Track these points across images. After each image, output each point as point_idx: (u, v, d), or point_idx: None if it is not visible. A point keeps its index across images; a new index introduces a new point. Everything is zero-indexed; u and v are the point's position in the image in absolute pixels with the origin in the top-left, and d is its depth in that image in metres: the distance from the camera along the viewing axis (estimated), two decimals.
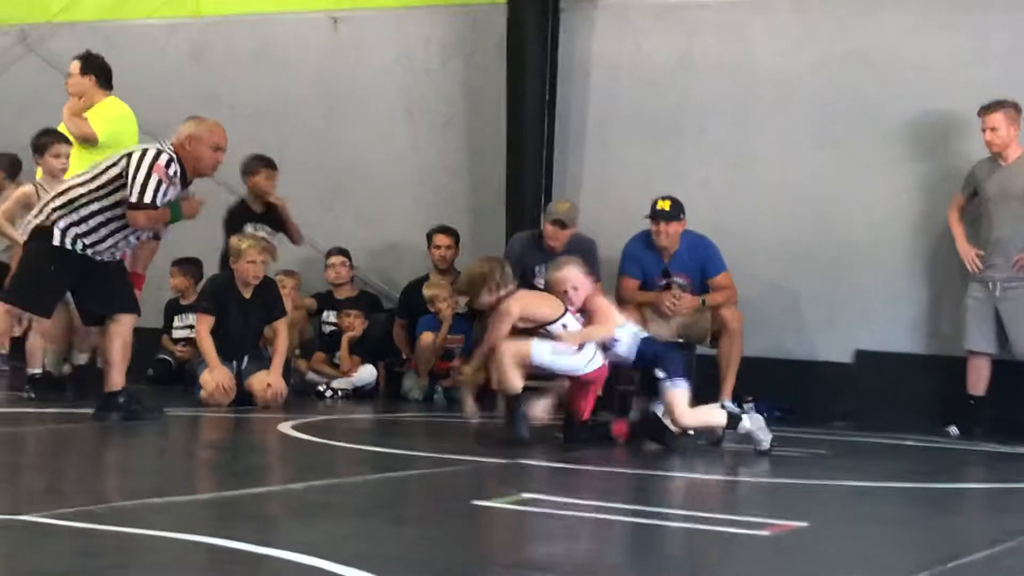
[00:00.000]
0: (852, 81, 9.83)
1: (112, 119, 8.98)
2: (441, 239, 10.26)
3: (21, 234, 7.47)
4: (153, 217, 7.14)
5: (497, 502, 4.89)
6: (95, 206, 7.11)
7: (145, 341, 10.34)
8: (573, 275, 7.15)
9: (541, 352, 6.92)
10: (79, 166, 8.53)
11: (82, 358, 9.09)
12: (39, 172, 8.94)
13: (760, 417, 7.23)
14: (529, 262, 9.43)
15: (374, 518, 4.66)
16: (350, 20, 11.17)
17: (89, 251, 7.14)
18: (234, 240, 9.01)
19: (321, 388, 9.91)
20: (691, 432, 7.16)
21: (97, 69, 9.09)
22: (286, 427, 7.36)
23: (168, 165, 7.11)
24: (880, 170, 9.77)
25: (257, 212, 9.73)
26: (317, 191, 11.15)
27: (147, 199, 7.03)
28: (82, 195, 7.11)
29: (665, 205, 9.00)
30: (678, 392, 7.01)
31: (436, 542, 4.23)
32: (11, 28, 12.06)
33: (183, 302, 10.47)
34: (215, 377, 8.62)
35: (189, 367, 9.81)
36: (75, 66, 9.17)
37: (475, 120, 10.75)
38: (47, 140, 8.76)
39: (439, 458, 6.32)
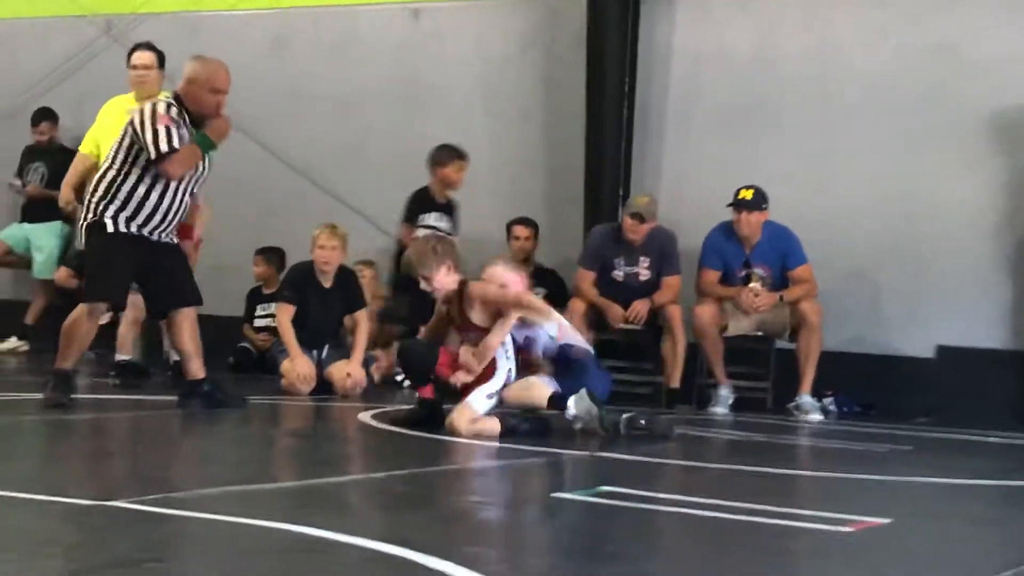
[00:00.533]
0: (937, 73, 9.72)
1: None
2: (520, 230, 10.27)
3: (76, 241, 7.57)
4: (184, 159, 6.95)
5: (577, 494, 4.89)
6: (129, 183, 6.99)
7: (226, 330, 10.48)
8: (499, 272, 7.03)
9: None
10: None
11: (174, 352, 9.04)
12: None
13: (585, 398, 6.90)
14: (608, 255, 9.43)
15: (454, 508, 4.68)
16: (430, 12, 11.20)
17: (145, 231, 7.06)
18: (316, 229, 9.07)
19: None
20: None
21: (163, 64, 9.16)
22: (366, 416, 7.40)
23: (168, 110, 6.95)
24: (964, 163, 9.66)
25: (440, 203, 9.74)
26: (396, 182, 11.17)
27: (164, 147, 6.86)
28: (114, 177, 7.02)
29: (748, 194, 8.99)
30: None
31: (517, 534, 4.24)
32: (96, 19, 12.22)
33: (265, 291, 10.56)
34: (296, 366, 8.69)
35: (270, 356, 9.89)
36: (150, 58, 9.17)
37: (553, 112, 10.74)
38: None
39: (516, 449, 6.33)
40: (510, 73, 10.89)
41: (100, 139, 9.04)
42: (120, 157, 7.03)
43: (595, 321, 9.42)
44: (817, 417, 8.88)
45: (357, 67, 11.41)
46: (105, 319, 10.94)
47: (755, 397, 9.50)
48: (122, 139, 7.05)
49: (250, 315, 10.69)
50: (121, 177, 7.01)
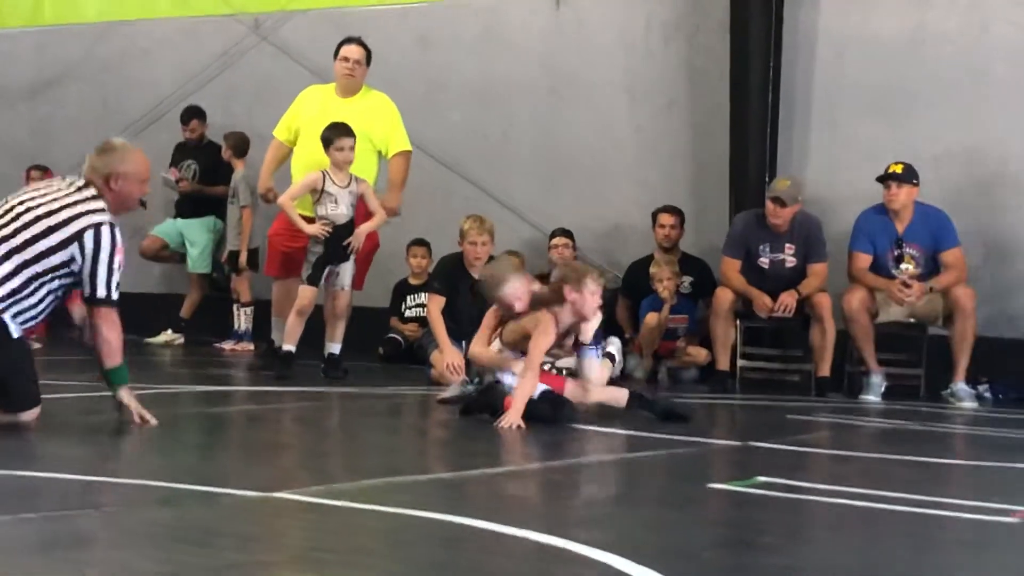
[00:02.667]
0: None
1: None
2: (666, 218, 10.25)
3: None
4: (117, 329, 5.95)
5: (734, 485, 4.89)
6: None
7: (375, 321, 10.64)
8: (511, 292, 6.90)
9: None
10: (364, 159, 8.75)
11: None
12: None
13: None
14: (753, 241, 9.37)
15: (611, 500, 4.71)
16: (572, 2, 11.22)
17: None
18: (462, 222, 9.16)
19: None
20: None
21: None
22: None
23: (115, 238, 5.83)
24: None
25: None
26: (540, 173, 11.26)
27: (115, 294, 5.85)
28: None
29: (898, 168, 8.93)
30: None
31: (675, 525, 4.25)
32: (245, 17, 12.46)
33: (413, 282, 10.69)
34: (445, 357, 8.78)
35: (419, 346, 10.01)
36: (360, 52, 9.14)
37: (698, 100, 10.69)
38: (331, 135, 8.58)
39: (670, 439, 6.33)
40: (654, 62, 10.86)
41: (296, 126, 9.20)
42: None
43: (742, 309, 9.36)
44: (972, 405, 8.72)
45: (500, 59, 11.48)
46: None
47: (908, 385, 9.36)
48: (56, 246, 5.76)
49: (397, 307, 10.82)
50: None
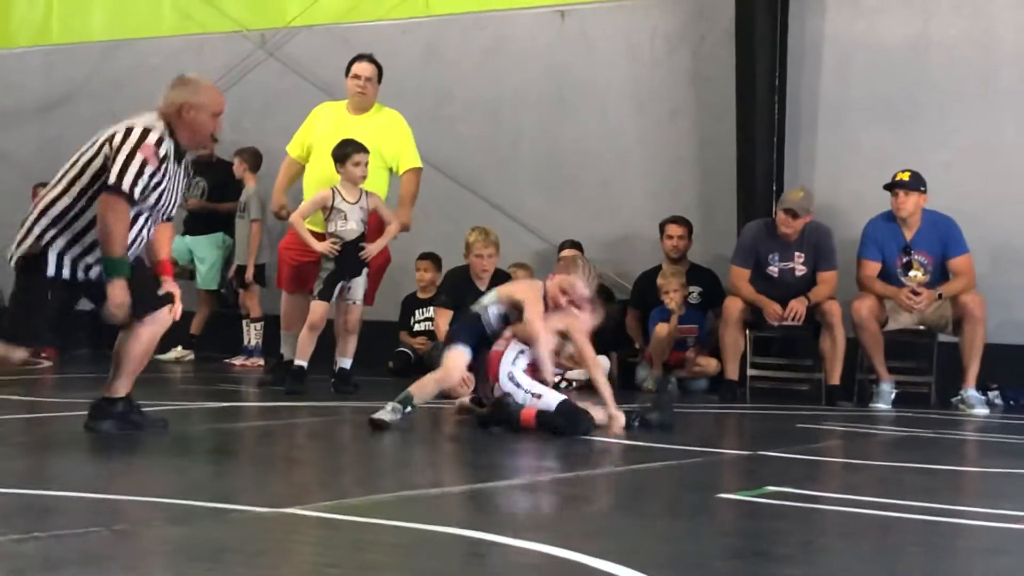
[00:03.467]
0: None
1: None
2: (674, 229, 10.25)
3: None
4: (116, 222, 5.84)
5: (743, 495, 4.88)
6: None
7: (384, 335, 10.65)
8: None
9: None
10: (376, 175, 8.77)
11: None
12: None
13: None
14: (762, 250, 9.37)
15: (621, 511, 4.70)
16: (577, 13, 11.24)
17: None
18: (467, 234, 9.17)
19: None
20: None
21: None
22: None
23: (159, 144, 5.94)
24: None
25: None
26: (548, 185, 11.27)
27: (125, 185, 5.81)
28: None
29: (905, 175, 8.94)
30: None
31: (685, 536, 4.25)
32: (252, 33, 12.49)
33: (421, 296, 10.70)
34: None
35: (428, 359, 10.01)
36: (371, 70, 9.13)
37: (704, 109, 10.70)
38: (348, 150, 8.60)
39: (678, 450, 6.32)
40: (659, 71, 10.87)
41: (309, 143, 9.21)
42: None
43: (752, 319, 9.35)
44: (983, 411, 8.71)
45: (507, 71, 11.50)
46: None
47: (918, 392, 9.35)
48: (92, 158, 6.01)
49: (406, 321, 10.83)
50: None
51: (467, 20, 11.68)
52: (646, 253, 10.59)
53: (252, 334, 11.53)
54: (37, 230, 5.99)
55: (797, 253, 9.29)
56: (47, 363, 11.90)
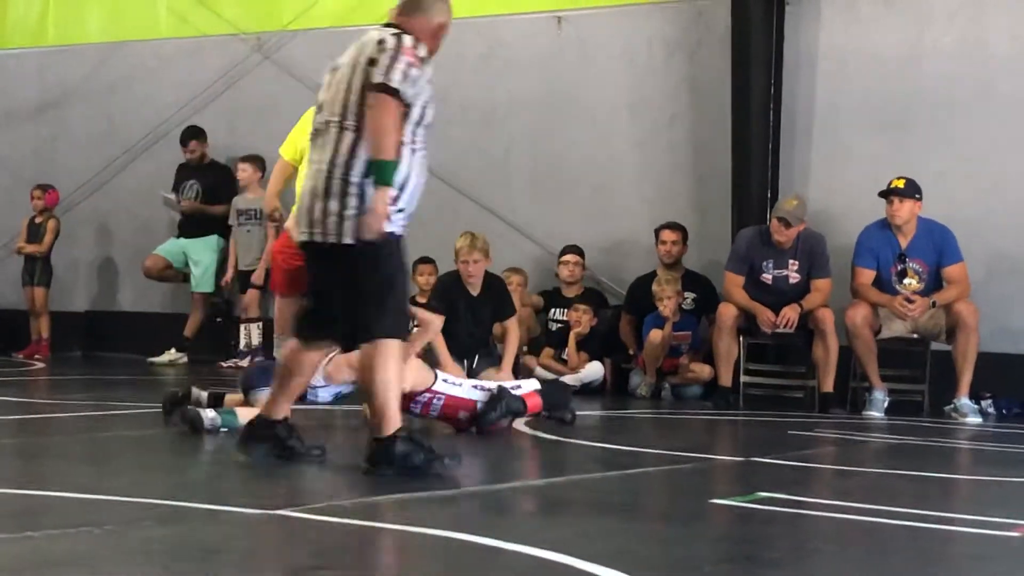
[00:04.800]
0: None
1: None
2: (668, 235, 10.25)
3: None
4: (391, 116, 5.21)
5: (735, 500, 4.88)
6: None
7: None
8: None
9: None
10: None
11: None
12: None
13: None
14: (756, 257, 9.37)
15: (615, 515, 4.70)
16: (574, 19, 11.24)
17: None
18: (457, 239, 9.16)
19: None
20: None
21: None
22: (519, 424, 7.45)
23: (415, 46, 5.38)
24: None
25: None
26: (543, 191, 11.27)
27: (395, 81, 5.20)
28: None
29: (900, 183, 8.96)
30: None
31: (678, 540, 4.25)
32: (248, 36, 12.47)
33: (419, 300, 10.67)
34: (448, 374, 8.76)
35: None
36: None
37: (699, 116, 10.70)
38: None
39: (671, 455, 6.33)
40: (655, 78, 10.88)
41: (302, 144, 9.17)
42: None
43: (746, 325, 9.36)
44: (976, 420, 8.71)
45: (502, 77, 11.49)
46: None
47: (911, 400, 9.35)
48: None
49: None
50: None
51: (463, 25, 11.57)
52: (641, 259, 10.59)
53: (253, 335, 11.48)
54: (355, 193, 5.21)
55: (791, 260, 9.30)
56: (39, 364, 11.91)
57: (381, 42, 5.31)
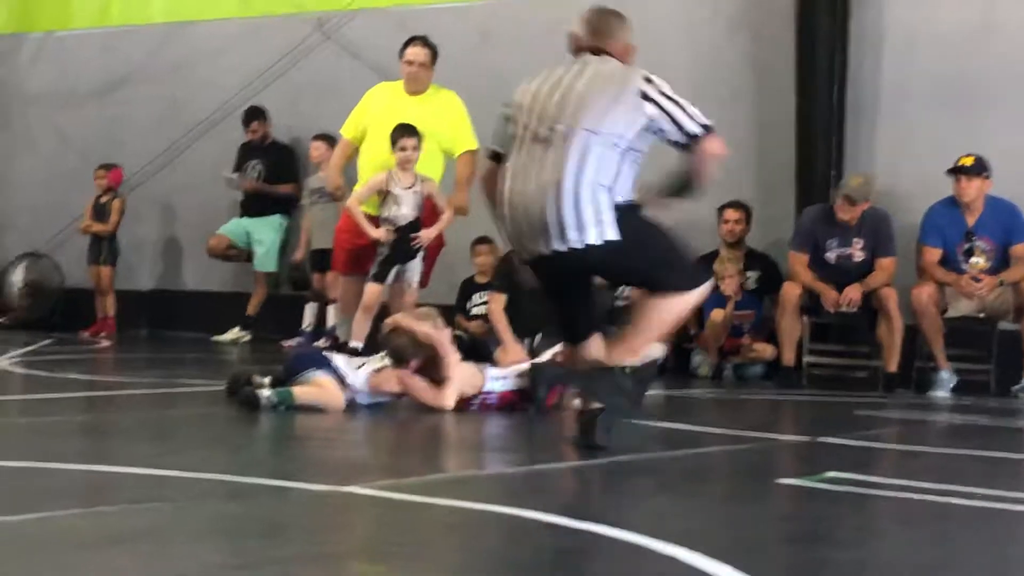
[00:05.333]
0: None
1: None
2: (731, 214, 10.19)
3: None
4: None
5: (803, 480, 4.85)
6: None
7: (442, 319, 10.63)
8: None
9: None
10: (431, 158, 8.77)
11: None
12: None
13: None
14: (821, 235, 9.30)
15: (681, 495, 4.68)
16: None
17: None
18: None
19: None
20: None
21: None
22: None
23: None
24: None
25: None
26: None
27: (707, 120, 5.44)
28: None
29: (968, 160, 8.87)
30: None
31: (744, 521, 4.23)
32: (309, 16, 12.52)
33: (478, 280, 10.69)
34: (509, 354, 8.78)
35: (483, 344, 10.00)
36: (425, 55, 9.07)
37: (763, 94, 10.62)
38: (395, 135, 8.61)
39: (733, 435, 6.29)
40: (719, 55, 10.80)
41: (364, 124, 9.19)
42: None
43: (809, 305, 9.29)
44: None
45: (562, 54, 11.40)
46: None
47: (977, 380, 9.25)
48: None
49: (463, 304, 10.82)
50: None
51: (522, 3, 11.64)
52: (703, 238, 10.50)
53: (330, 316, 11.51)
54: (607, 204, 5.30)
55: (855, 239, 9.22)
56: (105, 342, 12.04)
57: (649, 80, 5.46)
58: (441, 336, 6.85)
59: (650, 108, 5.38)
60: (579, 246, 5.28)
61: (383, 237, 8.60)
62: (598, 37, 5.59)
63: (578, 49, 5.65)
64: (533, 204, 5.30)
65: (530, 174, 5.34)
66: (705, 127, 5.40)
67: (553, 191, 5.27)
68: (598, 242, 5.28)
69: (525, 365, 7.24)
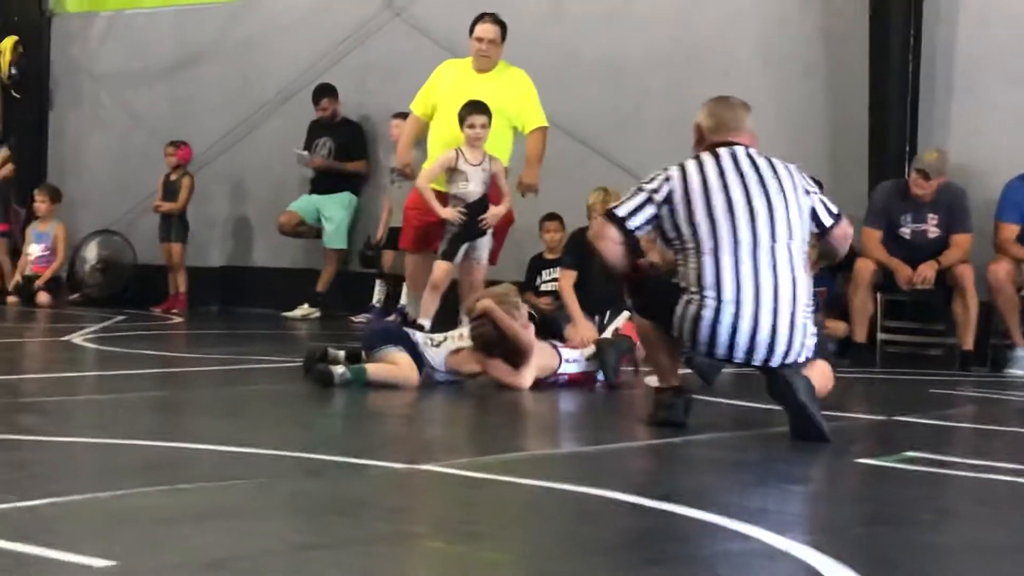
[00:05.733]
0: None
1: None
2: None
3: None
4: None
5: (882, 460, 4.81)
6: None
7: None
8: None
9: None
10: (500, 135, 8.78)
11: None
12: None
13: None
14: (895, 211, 9.19)
15: (756, 474, 4.66)
16: None
17: None
18: (589, 194, 9.10)
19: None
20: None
21: None
22: (653, 380, 7.41)
23: None
24: None
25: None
26: (674, 145, 11.10)
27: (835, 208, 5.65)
28: None
29: None
30: None
31: (822, 500, 4.21)
32: None
33: (548, 256, 10.68)
34: (579, 331, 8.76)
35: (553, 320, 9.98)
36: (494, 32, 9.00)
37: (835, 67, 10.50)
38: (464, 112, 8.52)
39: None
40: (789, 29, 10.69)
41: (433, 101, 9.18)
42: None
43: (883, 282, 9.19)
44: None
45: (632, 31, 11.39)
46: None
47: None
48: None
49: (532, 281, 10.82)
50: None
51: None
52: None
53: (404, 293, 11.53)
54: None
55: (930, 215, 9.11)
56: (177, 318, 12.15)
57: (813, 179, 5.74)
58: (528, 335, 6.91)
59: (812, 200, 5.56)
60: (790, 361, 5.40)
61: (452, 217, 8.60)
62: (733, 132, 5.63)
63: (704, 142, 5.70)
64: (763, 312, 5.28)
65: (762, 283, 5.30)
66: (836, 215, 5.61)
67: (782, 302, 5.32)
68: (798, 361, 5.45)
69: (593, 348, 7.26)
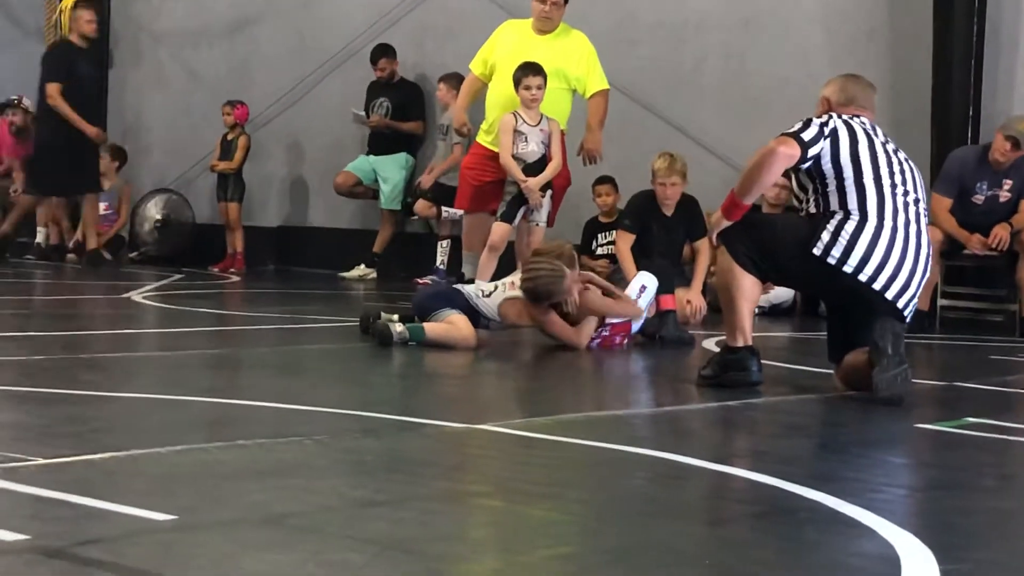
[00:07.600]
0: None
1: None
2: None
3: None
4: None
5: (942, 425, 4.77)
6: None
7: None
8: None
9: None
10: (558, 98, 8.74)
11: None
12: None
13: None
14: (970, 178, 9.00)
15: (815, 438, 4.64)
16: None
17: None
18: (654, 160, 9.04)
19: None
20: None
21: None
22: (710, 344, 7.39)
23: None
24: None
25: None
26: (733, 108, 11.07)
27: None
28: None
29: None
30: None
31: (884, 466, 4.17)
32: None
33: (603, 220, 10.65)
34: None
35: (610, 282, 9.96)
36: None
37: (898, 31, 10.37)
38: (519, 74, 8.41)
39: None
40: None
41: (492, 61, 9.14)
42: None
43: (948, 249, 9.07)
44: None
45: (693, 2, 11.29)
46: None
47: None
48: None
49: (588, 244, 10.79)
50: None
51: None
52: None
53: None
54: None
55: (1005, 180, 8.95)
56: (234, 277, 12.21)
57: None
58: (623, 306, 7.19)
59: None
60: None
61: (532, 184, 8.54)
62: (861, 108, 5.76)
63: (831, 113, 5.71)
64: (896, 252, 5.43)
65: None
66: None
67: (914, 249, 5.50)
68: None
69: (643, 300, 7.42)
